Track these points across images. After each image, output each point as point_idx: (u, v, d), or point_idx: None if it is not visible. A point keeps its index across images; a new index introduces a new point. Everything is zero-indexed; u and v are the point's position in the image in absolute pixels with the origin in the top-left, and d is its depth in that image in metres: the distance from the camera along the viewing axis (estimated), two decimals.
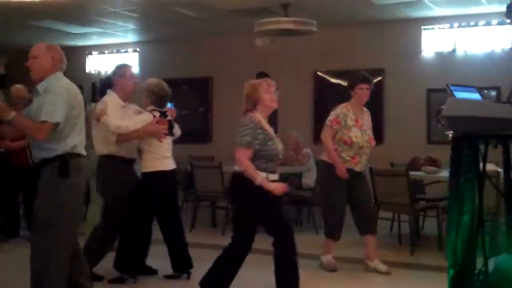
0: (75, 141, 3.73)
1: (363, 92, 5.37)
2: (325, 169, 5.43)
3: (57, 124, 3.57)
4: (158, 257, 5.30)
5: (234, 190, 4.28)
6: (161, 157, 4.98)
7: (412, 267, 5.53)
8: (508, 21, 3.22)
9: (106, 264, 4.99)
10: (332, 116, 5.38)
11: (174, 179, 5.17)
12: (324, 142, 5.39)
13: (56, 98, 3.60)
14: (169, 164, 5.05)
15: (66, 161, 3.65)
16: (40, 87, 3.70)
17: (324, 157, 5.45)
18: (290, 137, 7.68)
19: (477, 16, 8.42)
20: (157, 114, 5.00)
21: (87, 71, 11.50)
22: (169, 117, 5.14)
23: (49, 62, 3.74)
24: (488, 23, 8.41)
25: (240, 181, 4.11)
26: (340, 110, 5.38)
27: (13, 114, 3.55)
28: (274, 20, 7.47)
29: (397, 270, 5.39)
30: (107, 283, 4.91)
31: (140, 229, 5.04)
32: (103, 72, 11.29)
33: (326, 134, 5.39)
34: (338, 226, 5.40)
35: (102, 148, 4.99)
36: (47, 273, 3.62)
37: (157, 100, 5.07)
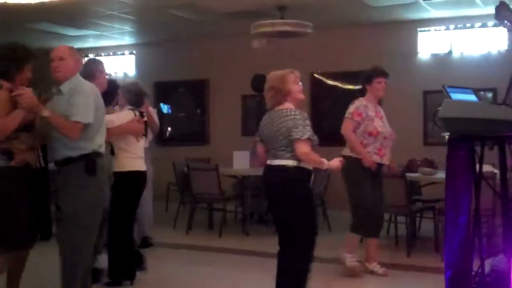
0: (101, 141, 3.90)
1: (381, 86, 5.27)
2: (351, 164, 5.05)
3: (88, 125, 3.72)
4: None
5: (294, 188, 3.99)
6: (136, 157, 4.91)
7: (409, 269, 5.53)
8: (498, 22, 3.21)
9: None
10: (351, 108, 5.21)
11: (145, 182, 5.08)
12: (346, 135, 5.17)
13: (86, 99, 3.75)
14: (143, 165, 5.00)
15: (93, 160, 3.79)
16: (64, 87, 3.80)
17: (348, 152, 5.19)
18: None
19: (473, 18, 8.44)
20: (137, 113, 4.98)
21: None
22: (145, 118, 5.11)
23: (74, 64, 3.87)
24: (484, 25, 8.42)
25: (299, 177, 3.97)
26: (359, 103, 5.22)
27: (48, 112, 3.64)
28: (270, 23, 7.48)
29: (394, 271, 5.39)
30: (104, 286, 4.89)
31: (123, 231, 4.93)
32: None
33: (347, 127, 5.17)
34: (366, 220, 5.18)
35: None
36: (77, 270, 3.79)
37: (134, 98, 4.99)
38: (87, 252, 3.88)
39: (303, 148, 3.88)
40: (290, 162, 3.92)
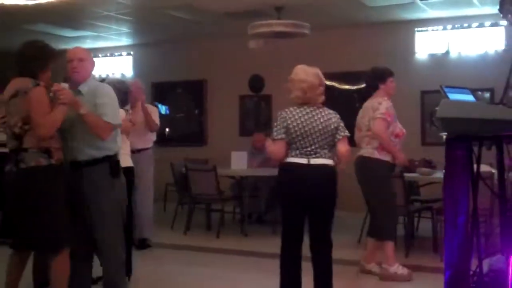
0: (120, 142, 3.97)
1: (393, 85, 5.23)
2: (380, 166, 4.99)
3: (116, 126, 3.78)
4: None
5: (333, 188, 4.00)
6: (127, 153, 4.97)
7: (408, 269, 5.52)
8: (501, 15, 3.21)
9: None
10: (382, 109, 4.96)
11: (134, 177, 5.16)
12: (381, 136, 4.92)
13: (112, 101, 3.80)
14: (131, 162, 5.07)
15: (116, 162, 3.83)
16: (82, 88, 3.79)
17: (374, 154, 5.00)
18: None
19: (470, 18, 8.45)
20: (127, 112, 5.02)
21: None
22: (130, 117, 5.15)
23: (91, 65, 3.90)
24: (481, 25, 8.44)
25: (336, 177, 4.00)
26: (387, 103, 5.01)
27: (85, 109, 3.64)
28: (267, 23, 7.47)
29: None
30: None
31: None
32: (97, 76, 11.26)
33: (382, 128, 4.91)
34: (393, 221, 5.16)
35: None
36: (121, 274, 3.94)
37: (124, 97, 5.01)
38: (119, 246, 3.88)
39: (347, 145, 3.92)
40: (330, 162, 3.94)
